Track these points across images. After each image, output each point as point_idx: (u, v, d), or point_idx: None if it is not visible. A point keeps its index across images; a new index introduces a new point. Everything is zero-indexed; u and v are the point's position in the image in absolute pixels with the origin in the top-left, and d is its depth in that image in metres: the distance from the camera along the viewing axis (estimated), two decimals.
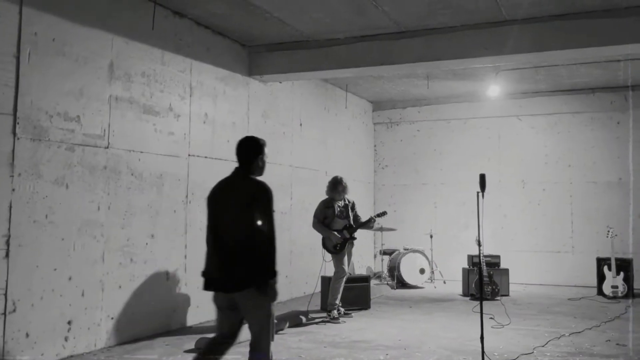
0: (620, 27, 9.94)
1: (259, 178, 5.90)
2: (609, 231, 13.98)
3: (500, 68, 14.16)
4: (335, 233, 11.25)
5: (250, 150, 5.88)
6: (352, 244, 11.64)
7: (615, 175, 16.12)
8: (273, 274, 5.40)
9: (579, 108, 16.63)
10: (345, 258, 11.38)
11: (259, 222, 5.38)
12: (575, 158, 16.62)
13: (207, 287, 5.65)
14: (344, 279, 11.34)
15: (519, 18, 10.47)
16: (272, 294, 5.42)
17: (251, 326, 5.53)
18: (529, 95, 17.02)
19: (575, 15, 10.19)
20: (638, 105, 15.93)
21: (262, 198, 5.56)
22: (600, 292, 14.04)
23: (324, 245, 11.43)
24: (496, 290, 13.45)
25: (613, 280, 13.83)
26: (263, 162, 5.96)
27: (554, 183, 16.55)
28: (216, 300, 5.68)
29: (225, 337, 5.66)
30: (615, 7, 9.90)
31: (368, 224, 11.64)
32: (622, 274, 13.89)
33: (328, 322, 10.94)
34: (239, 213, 5.53)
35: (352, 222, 11.54)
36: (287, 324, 10.45)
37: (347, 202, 11.65)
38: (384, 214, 11.92)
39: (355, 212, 11.78)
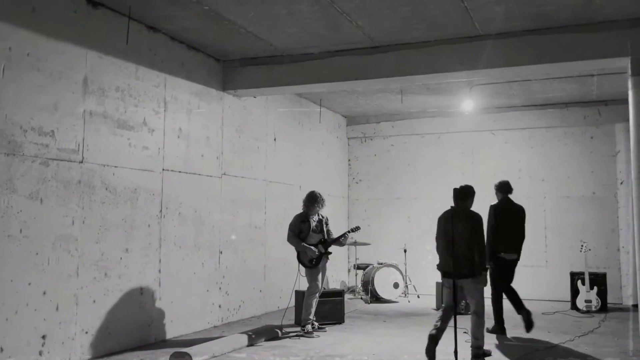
0: (594, 42, 10.13)
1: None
2: (582, 245, 14.19)
3: (474, 83, 14.37)
4: (312, 247, 11.39)
5: (468, 194, 9.55)
6: (327, 259, 11.76)
7: (589, 190, 16.37)
8: (485, 268, 9.26)
9: (552, 123, 16.88)
10: (320, 274, 11.53)
11: (477, 237, 9.19)
12: (549, 173, 16.85)
13: (444, 276, 9.43)
14: (318, 294, 11.51)
15: (492, 33, 10.65)
16: (484, 279, 9.22)
17: (475, 299, 9.23)
18: (503, 110, 17.29)
19: (548, 30, 10.38)
20: (610, 120, 16.18)
21: (479, 222, 9.29)
22: (574, 306, 14.29)
23: (299, 259, 11.54)
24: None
25: (587, 295, 14.06)
26: (473, 201, 9.61)
27: (528, 198, 16.67)
28: (445, 283, 9.45)
29: (449, 309, 9.26)
30: (589, 22, 10.11)
31: (341, 239, 11.80)
32: (595, 288, 14.13)
33: (302, 336, 11.06)
34: (467, 232, 9.12)
35: (326, 237, 11.68)
36: (263, 338, 10.58)
37: (321, 217, 11.80)
38: (357, 229, 12.05)
39: (328, 227, 11.90)
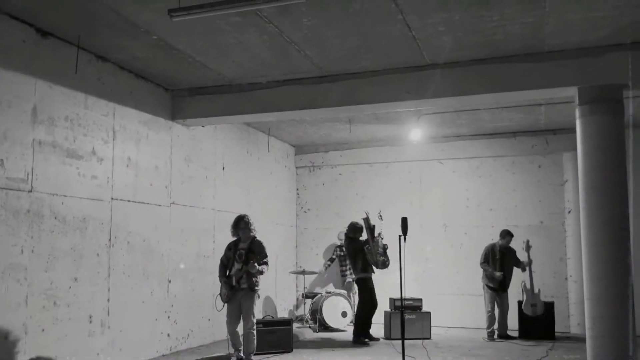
0: (542, 72, 10.39)
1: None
2: (526, 242, 14.60)
3: (422, 112, 14.65)
4: (224, 282, 11.26)
5: (509, 234, 14.89)
6: (248, 292, 11.11)
7: (536, 219, 16.79)
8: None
9: (500, 152, 17.29)
10: (234, 309, 11.26)
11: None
12: (497, 202, 17.22)
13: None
14: (233, 329, 11.35)
15: (440, 62, 10.88)
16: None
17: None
18: (451, 139, 17.66)
19: (496, 60, 10.61)
20: (557, 149, 16.66)
21: (512, 253, 15.02)
22: (521, 334, 14.61)
23: (220, 293, 11.40)
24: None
25: (532, 298, 14.52)
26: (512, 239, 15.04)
27: (476, 226, 17.13)
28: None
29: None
30: (537, 52, 10.37)
31: (250, 269, 10.98)
32: (539, 290, 14.63)
33: None
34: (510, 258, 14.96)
35: (240, 267, 11.15)
36: None
37: (252, 243, 11.35)
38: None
39: (261, 254, 11.17)
